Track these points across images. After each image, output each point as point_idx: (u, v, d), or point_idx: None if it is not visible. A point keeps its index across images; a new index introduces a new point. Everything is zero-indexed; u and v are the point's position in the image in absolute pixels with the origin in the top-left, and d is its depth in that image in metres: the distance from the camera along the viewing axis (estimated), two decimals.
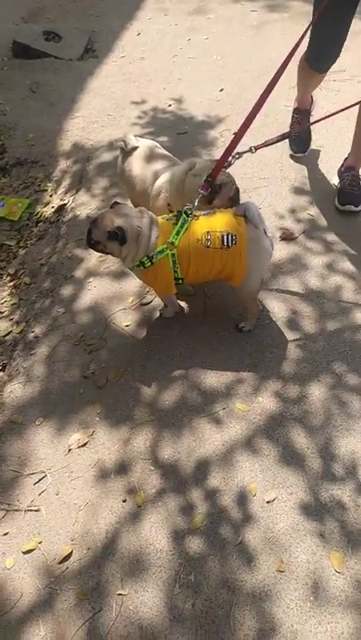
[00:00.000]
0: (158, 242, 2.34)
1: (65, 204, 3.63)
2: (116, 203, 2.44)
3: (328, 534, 1.97)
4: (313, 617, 1.80)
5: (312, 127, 3.64)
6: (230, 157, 2.54)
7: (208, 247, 2.31)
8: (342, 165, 3.38)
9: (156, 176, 2.66)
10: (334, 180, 3.44)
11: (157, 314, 2.77)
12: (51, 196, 3.81)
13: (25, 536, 2.08)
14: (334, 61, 3.09)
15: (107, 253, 2.43)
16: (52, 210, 3.66)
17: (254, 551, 1.95)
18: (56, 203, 3.70)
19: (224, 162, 2.44)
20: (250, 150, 2.57)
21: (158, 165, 2.70)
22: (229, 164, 2.55)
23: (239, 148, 2.50)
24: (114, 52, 5.24)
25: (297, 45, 2.50)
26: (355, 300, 2.74)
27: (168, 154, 2.81)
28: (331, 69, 3.13)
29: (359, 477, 2.11)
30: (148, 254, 2.34)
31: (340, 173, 3.37)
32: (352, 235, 3.09)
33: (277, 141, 2.62)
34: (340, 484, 2.10)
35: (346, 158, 3.35)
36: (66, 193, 3.74)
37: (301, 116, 3.64)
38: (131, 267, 2.44)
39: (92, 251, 2.72)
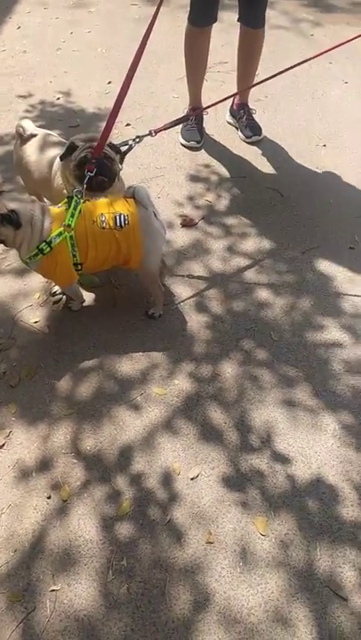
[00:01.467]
0: (53, 227, 2.31)
1: None
2: (2, 191, 2.38)
3: (251, 501, 2.06)
4: (244, 581, 1.88)
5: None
6: (131, 141, 2.57)
7: (104, 228, 2.33)
8: (233, 103, 3.75)
9: (52, 163, 2.64)
10: (228, 118, 3.87)
11: (61, 307, 2.74)
12: None
13: None
14: (214, 18, 3.25)
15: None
16: None
17: (183, 527, 1.99)
18: None
19: (104, 142, 2.43)
20: (150, 134, 2.61)
21: (56, 152, 2.67)
22: (130, 148, 2.59)
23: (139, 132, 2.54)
24: None
25: (153, 21, 2.56)
26: (256, 279, 2.86)
27: (65, 141, 2.77)
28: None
29: (274, 445, 2.22)
30: (44, 239, 2.30)
31: (234, 112, 3.76)
32: (249, 218, 3.22)
33: (175, 125, 2.70)
34: (257, 453, 2.20)
35: (235, 95, 3.57)
36: None
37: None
38: (28, 258, 2.38)
39: None
